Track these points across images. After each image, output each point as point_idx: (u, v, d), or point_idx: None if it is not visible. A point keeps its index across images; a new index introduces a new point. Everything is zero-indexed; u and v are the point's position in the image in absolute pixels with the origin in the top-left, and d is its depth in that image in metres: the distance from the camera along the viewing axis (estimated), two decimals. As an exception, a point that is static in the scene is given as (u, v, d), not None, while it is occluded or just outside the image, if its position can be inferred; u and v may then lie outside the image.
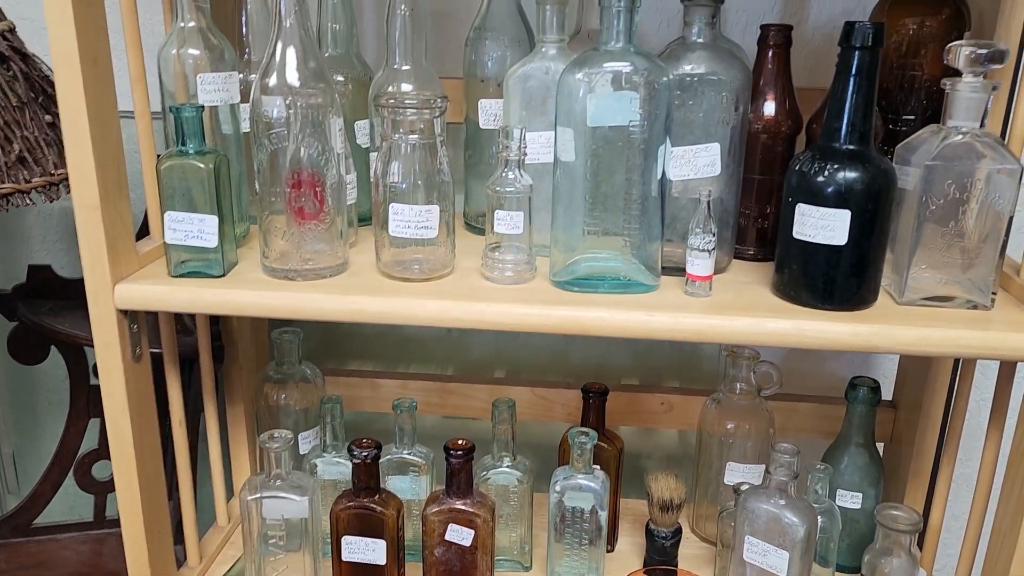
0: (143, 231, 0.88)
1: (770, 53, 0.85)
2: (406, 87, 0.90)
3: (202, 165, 0.77)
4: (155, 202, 0.83)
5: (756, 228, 0.89)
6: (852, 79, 0.72)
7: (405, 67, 0.90)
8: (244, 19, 0.94)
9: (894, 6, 0.87)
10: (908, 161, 0.77)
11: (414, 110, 0.76)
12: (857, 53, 0.71)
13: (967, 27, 0.86)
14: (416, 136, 0.78)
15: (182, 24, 0.82)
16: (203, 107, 0.78)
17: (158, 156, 0.80)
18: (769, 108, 0.85)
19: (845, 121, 0.73)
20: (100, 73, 0.73)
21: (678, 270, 0.81)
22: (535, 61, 0.84)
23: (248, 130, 0.84)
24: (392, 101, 0.77)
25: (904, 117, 0.87)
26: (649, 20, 1.11)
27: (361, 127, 0.95)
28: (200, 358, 0.98)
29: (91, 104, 0.72)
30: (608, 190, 0.77)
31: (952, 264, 0.76)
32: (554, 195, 0.79)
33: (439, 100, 0.77)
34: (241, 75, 0.92)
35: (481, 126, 0.93)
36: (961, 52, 0.72)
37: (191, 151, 0.78)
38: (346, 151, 0.87)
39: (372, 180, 0.82)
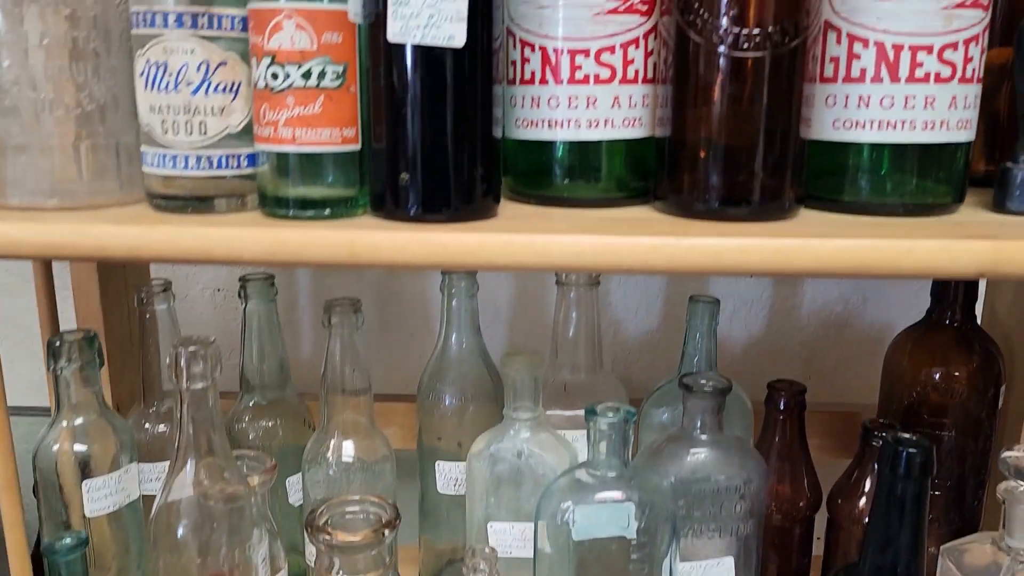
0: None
1: (781, 418, 0.72)
2: (348, 450, 0.75)
3: (83, 625, 0.60)
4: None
5: (773, 625, 0.74)
6: (896, 512, 0.59)
7: (345, 426, 0.74)
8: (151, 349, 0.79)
9: (917, 347, 0.76)
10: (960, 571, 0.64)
11: (359, 547, 0.61)
12: (901, 484, 0.59)
13: (1002, 376, 0.74)
14: (361, 577, 0.62)
15: (65, 423, 0.66)
16: (87, 541, 0.62)
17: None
18: (782, 483, 0.72)
19: (889, 559, 0.60)
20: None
21: None
22: (504, 440, 0.70)
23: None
24: (327, 537, 0.61)
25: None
26: (625, 306, 0.99)
27: (293, 483, 0.80)
28: None
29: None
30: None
31: None
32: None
33: (388, 531, 0.62)
34: (147, 425, 0.77)
35: (440, 490, 0.78)
36: (1025, 470, 0.60)
37: (69, 605, 0.61)
38: (273, 551, 0.71)
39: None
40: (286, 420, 0.80)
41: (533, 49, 0.57)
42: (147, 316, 0.77)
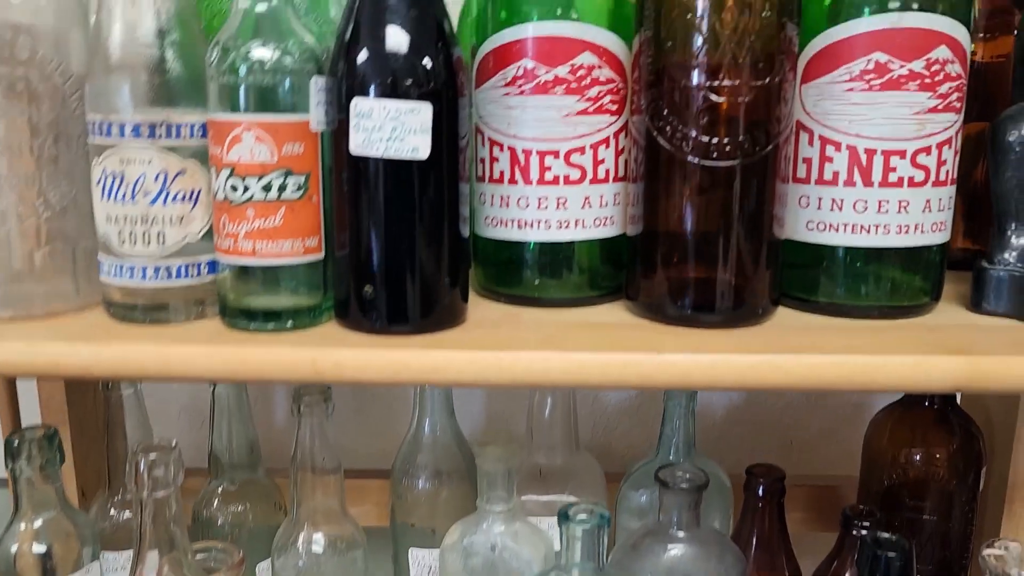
0: None
1: (760, 505, 0.71)
2: (318, 539, 0.73)
3: None
4: None
5: None
6: (879, 615, 0.58)
7: (314, 514, 0.72)
8: (117, 434, 0.77)
9: (896, 427, 0.75)
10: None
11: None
12: (884, 586, 0.57)
13: (983, 458, 0.74)
14: None
15: (23, 525, 0.64)
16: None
17: None
18: (762, 571, 0.71)
19: (873, 664, 0.58)
20: None
21: None
22: (478, 533, 0.68)
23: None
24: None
25: (918, 566, 0.73)
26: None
27: (263, 570, 0.78)
28: None
29: None
30: None
31: None
32: None
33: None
34: (113, 512, 0.75)
35: (413, 577, 0.76)
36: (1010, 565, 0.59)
37: None
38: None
39: None
40: (256, 504, 0.78)
41: (502, 149, 0.56)
42: (113, 400, 0.76)
